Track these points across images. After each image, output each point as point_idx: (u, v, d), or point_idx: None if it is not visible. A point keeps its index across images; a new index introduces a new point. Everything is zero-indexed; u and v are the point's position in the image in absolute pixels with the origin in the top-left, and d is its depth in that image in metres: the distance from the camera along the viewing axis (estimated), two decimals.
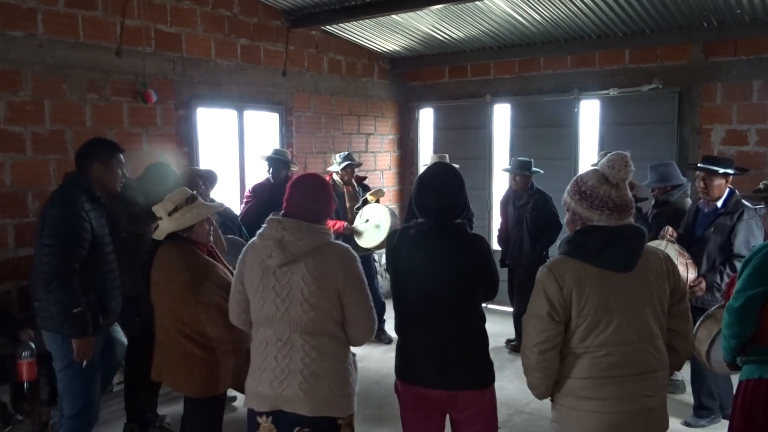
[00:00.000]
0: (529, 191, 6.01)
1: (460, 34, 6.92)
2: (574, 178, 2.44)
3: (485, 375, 2.67)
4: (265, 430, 2.57)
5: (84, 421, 3.32)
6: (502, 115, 7.70)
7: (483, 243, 2.66)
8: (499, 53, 7.36)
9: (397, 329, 2.74)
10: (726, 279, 4.09)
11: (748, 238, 4.07)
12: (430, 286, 2.58)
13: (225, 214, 4.74)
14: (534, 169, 6.04)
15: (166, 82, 5.49)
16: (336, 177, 6.07)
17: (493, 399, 2.72)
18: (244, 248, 2.69)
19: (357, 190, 6.16)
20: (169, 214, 3.12)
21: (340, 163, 5.99)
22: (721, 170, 4.24)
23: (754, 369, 2.65)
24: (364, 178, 6.56)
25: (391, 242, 2.71)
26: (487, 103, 7.67)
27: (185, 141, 5.68)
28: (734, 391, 2.81)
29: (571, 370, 2.34)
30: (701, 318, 3.06)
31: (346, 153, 6.11)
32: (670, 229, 4.34)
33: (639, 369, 2.30)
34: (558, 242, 5.95)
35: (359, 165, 6.32)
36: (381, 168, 8.18)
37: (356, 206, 5.92)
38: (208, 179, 4.74)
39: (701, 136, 6.30)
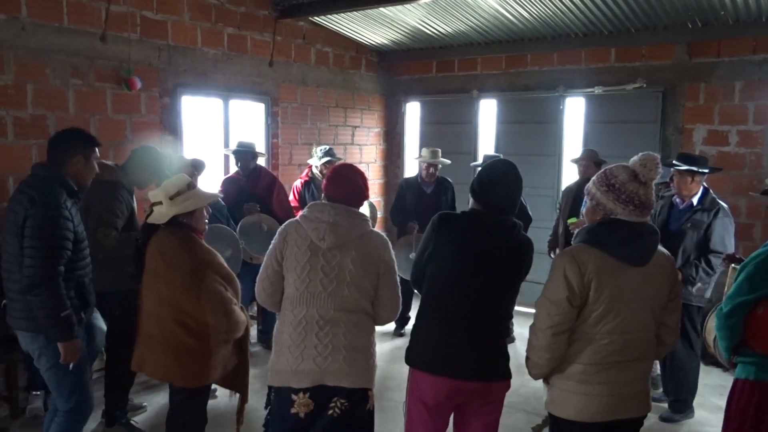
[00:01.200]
0: None
1: (448, 29, 6.93)
2: (603, 171, 2.52)
3: (508, 365, 2.75)
4: (302, 405, 2.66)
5: (80, 414, 3.24)
6: (488, 111, 7.73)
7: (532, 245, 2.76)
8: (487, 49, 7.39)
9: (426, 316, 2.72)
10: (701, 273, 4.22)
11: (723, 235, 4.24)
12: (486, 276, 2.63)
13: (213, 203, 4.75)
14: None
15: (151, 70, 5.46)
16: (315, 170, 6.05)
17: (509, 390, 2.80)
18: (284, 230, 2.76)
19: None
20: (171, 199, 3.07)
21: (320, 158, 5.95)
22: (700, 170, 4.34)
23: (742, 369, 2.75)
24: None
25: (454, 225, 2.68)
26: (474, 99, 7.70)
27: (170, 129, 5.65)
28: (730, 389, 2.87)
29: (576, 355, 2.46)
30: (711, 310, 3.11)
31: (327, 148, 6.06)
32: None
33: (634, 356, 2.46)
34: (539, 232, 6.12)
35: (339, 161, 6.28)
36: (367, 161, 8.18)
37: None
38: (197, 167, 4.80)
39: (683, 135, 6.38)
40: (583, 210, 2.64)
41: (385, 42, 7.67)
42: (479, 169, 2.83)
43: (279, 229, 2.80)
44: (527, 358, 2.59)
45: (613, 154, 6.30)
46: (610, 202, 2.42)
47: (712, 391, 5.00)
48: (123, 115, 5.28)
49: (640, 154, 2.45)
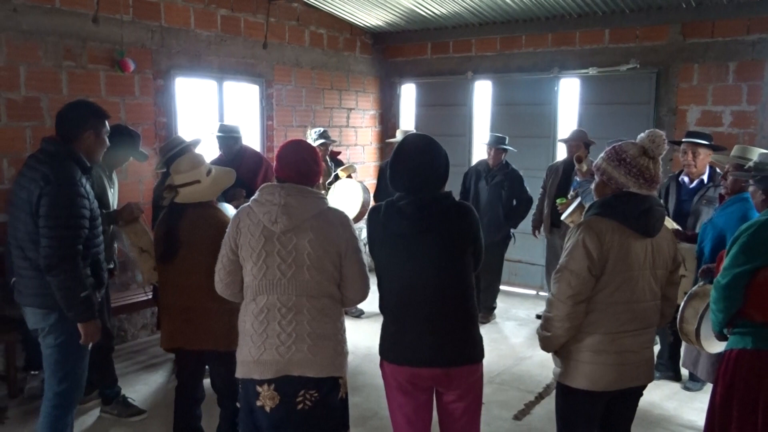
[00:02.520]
0: (504, 169, 6.12)
1: (443, 10, 6.91)
2: (612, 147, 2.61)
3: (477, 349, 2.61)
4: (267, 398, 2.55)
5: (70, 398, 3.16)
6: (483, 93, 7.73)
7: (472, 211, 2.60)
8: (481, 30, 7.37)
9: (384, 309, 2.64)
10: None
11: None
12: (423, 259, 2.51)
13: None
14: (508, 147, 6.16)
15: (145, 52, 5.45)
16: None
17: (482, 373, 2.68)
18: (236, 217, 2.64)
19: (330, 165, 6.13)
20: (208, 175, 3.18)
21: (315, 140, 5.90)
22: (712, 145, 4.46)
23: (739, 340, 2.81)
24: (338, 153, 6.56)
25: (376, 217, 2.59)
26: (469, 80, 7.70)
27: (163, 111, 5.66)
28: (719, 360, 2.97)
29: (592, 325, 2.56)
30: (685, 298, 3.15)
31: (322, 130, 6.04)
32: None
33: (644, 324, 2.59)
34: (529, 211, 6.16)
35: (333, 142, 6.28)
36: (362, 143, 8.19)
37: (328, 181, 5.89)
38: (196, 147, 4.68)
39: (677, 116, 6.39)
40: (592, 186, 2.71)
41: (380, 24, 7.65)
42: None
43: (232, 216, 2.70)
44: (544, 330, 2.64)
45: (607, 135, 6.31)
46: (621, 176, 2.53)
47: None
48: (116, 97, 5.28)
49: (647, 131, 2.57)
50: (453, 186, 6.45)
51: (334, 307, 2.63)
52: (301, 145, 2.72)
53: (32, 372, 4.37)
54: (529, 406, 4.34)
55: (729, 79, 6.11)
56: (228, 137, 5.29)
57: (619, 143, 2.61)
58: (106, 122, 3.21)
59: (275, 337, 2.52)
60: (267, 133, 6.85)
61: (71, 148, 3.02)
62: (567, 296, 2.51)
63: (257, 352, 2.53)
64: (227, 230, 2.67)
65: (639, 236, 2.52)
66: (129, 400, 4.20)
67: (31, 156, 3.08)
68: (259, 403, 2.56)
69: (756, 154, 3.75)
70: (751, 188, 3.03)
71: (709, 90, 6.22)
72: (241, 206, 2.67)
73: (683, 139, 4.64)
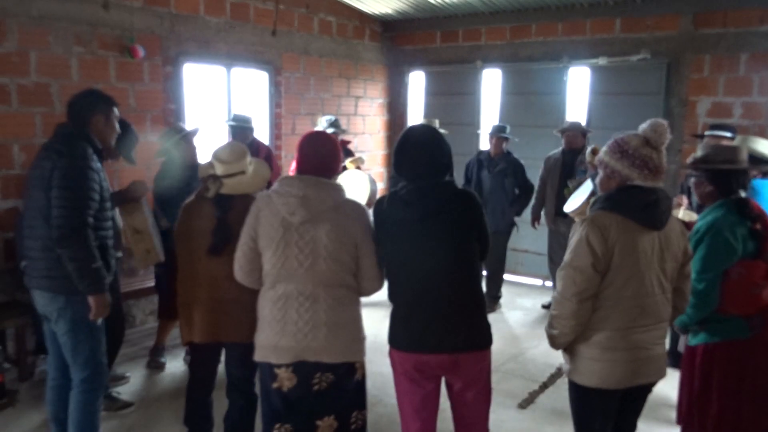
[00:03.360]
0: (506, 157, 6.15)
1: None
2: (614, 140, 2.55)
3: (485, 335, 2.63)
4: (285, 379, 2.66)
5: (97, 382, 3.18)
6: (492, 82, 7.70)
7: (475, 198, 2.62)
8: (491, 19, 7.33)
9: (393, 296, 2.66)
10: None
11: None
12: (427, 246, 2.53)
13: None
14: (509, 136, 6.22)
15: (154, 38, 5.46)
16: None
17: (490, 360, 2.70)
18: (255, 207, 2.71)
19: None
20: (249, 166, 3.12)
21: (325, 128, 5.89)
22: (730, 134, 4.54)
23: (713, 334, 2.92)
24: (349, 142, 6.55)
25: (380, 207, 2.64)
26: (478, 69, 7.66)
27: (172, 97, 5.67)
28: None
29: (601, 321, 2.49)
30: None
31: (333, 119, 6.04)
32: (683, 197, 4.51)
33: (655, 319, 2.52)
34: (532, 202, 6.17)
35: (344, 132, 6.29)
36: (370, 132, 8.19)
37: None
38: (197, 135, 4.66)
39: (687, 107, 6.35)
40: (597, 181, 2.65)
41: (389, 12, 7.62)
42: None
43: (252, 205, 2.74)
44: (551, 328, 2.60)
45: (617, 126, 6.23)
46: (625, 168, 2.47)
47: None
48: (126, 83, 5.29)
49: (649, 120, 2.50)
50: (457, 177, 6.48)
51: (351, 296, 2.71)
52: (322, 138, 2.81)
53: (42, 356, 4.42)
54: (533, 395, 4.36)
55: (740, 70, 6.06)
56: (243, 127, 5.32)
57: (621, 136, 2.55)
58: (115, 108, 3.28)
59: (293, 324, 2.61)
60: (275, 121, 6.86)
61: (84, 130, 3.11)
62: (572, 294, 2.45)
63: (275, 338, 2.63)
64: (248, 219, 2.72)
65: (645, 229, 2.46)
66: (114, 394, 4.15)
67: (46, 143, 3.14)
68: (276, 385, 2.67)
69: (760, 144, 3.78)
70: (694, 180, 3.07)
71: (720, 81, 6.17)
72: (260, 194, 2.76)
73: (706, 132, 4.70)
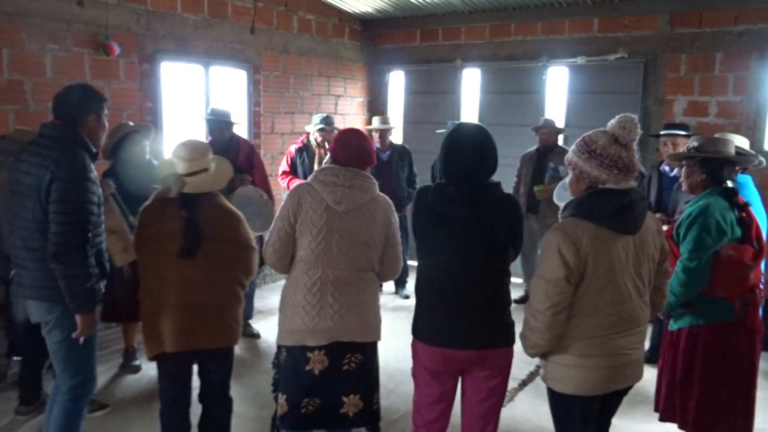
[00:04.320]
0: None
1: None
2: (581, 138, 2.45)
3: (510, 332, 2.67)
4: (317, 362, 2.82)
5: (85, 391, 3.08)
6: (471, 81, 7.72)
7: (518, 202, 2.73)
8: (471, 18, 7.35)
9: (422, 290, 2.71)
10: None
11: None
12: (469, 245, 2.56)
13: None
14: None
15: (130, 35, 5.39)
16: (312, 138, 6.00)
17: (512, 357, 2.73)
18: (296, 194, 2.84)
19: (327, 153, 6.13)
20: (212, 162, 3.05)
21: (316, 124, 5.94)
22: (684, 133, 4.75)
23: (698, 317, 3.06)
24: None
25: (423, 200, 2.64)
26: (458, 68, 7.67)
27: (149, 96, 5.60)
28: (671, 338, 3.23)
29: (576, 329, 2.42)
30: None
31: (325, 116, 6.01)
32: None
33: (632, 324, 2.46)
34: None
35: (332, 131, 6.24)
36: None
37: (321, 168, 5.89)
38: (144, 133, 4.46)
39: (664, 106, 6.41)
40: (567, 180, 2.56)
41: (369, 10, 7.60)
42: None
43: (289, 193, 2.88)
44: (524, 337, 2.54)
45: (595, 124, 6.24)
46: (593, 169, 2.36)
47: None
48: (102, 81, 5.21)
49: (618, 116, 2.38)
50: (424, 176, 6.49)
51: (374, 280, 2.95)
52: (361, 134, 3.03)
53: (15, 357, 4.34)
54: (512, 393, 4.37)
55: (716, 70, 6.13)
56: (221, 122, 5.15)
57: (588, 133, 2.45)
58: (104, 106, 3.12)
59: (329, 307, 2.79)
60: (254, 119, 6.80)
61: (76, 133, 2.93)
62: (545, 307, 2.37)
63: (312, 322, 2.78)
64: (286, 205, 2.84)
65: (619, 235, 2.37)
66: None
67: (32, 142, 2.95)
68: (308, 368, 2.81)
69: (737, 140, 3.91)
70: (686, 169, 3.21)
71: (696, 80, 6.24)
72: (299, 183, 2.94)
73: (661, 132, 4.99)
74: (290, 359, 2.87)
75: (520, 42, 7.20)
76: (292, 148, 6.02)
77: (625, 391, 2.63)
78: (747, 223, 3.08)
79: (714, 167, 3.12)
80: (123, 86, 5.39)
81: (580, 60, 6.78)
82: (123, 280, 3.99)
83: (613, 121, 2.39)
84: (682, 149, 4.55)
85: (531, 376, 4.65)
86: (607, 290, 2.38)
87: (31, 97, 4.73)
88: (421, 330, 2.70)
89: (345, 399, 2.88)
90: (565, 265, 2.33)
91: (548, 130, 6.06)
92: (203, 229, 2.89)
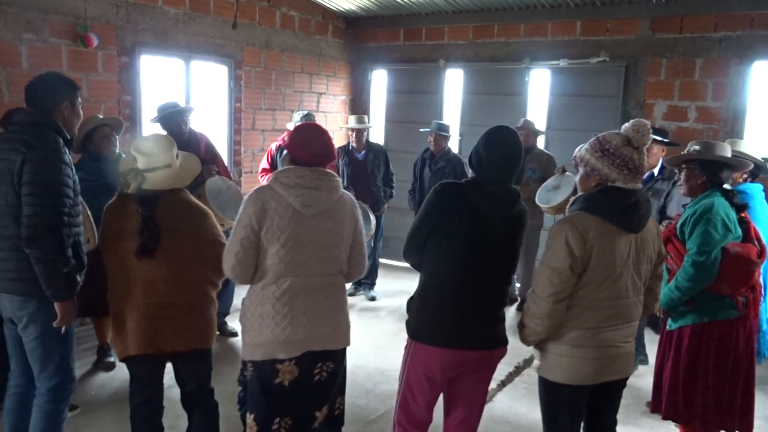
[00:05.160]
0: (446, 155, 6.21)
1: None
2: (596, 138, 2.55)
3: (505, 331, 2.74)
4: (287, 373, 2.65)
5: (65, 391, 2.95)
6: (454, 81, 7.72)
7: (527, 209, 2.75)
8: (454, 18, 7.35)
9: (440, 291, 2.62)
10: None
11: (680, 202, 4.45)
12: (500, 246, 2.60)
13: None
14: (447, 134, 6.30)
15: (109, 27, 5.30)
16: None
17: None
18: (258, 199, 2.58)
19: None
20: (176, 159, 2.90)
21: (297, 122, 5.77)
22: (665, 140, 4.65)
23: (702, 315, 3.14)
24: None
25: (458, 195, 2.57)
26: (441, 68, 7.67)
27: (128, 89, 5.52)
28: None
29: (573, 320, 2.53)
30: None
31: (307, 113, 5.93)
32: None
33: (625, 319, 2.58)
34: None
35: None
36: (332, 129, 8.10)
37: None
38: (114, 127, 4.35)
39: (644, 110, 6.47)
40: (577, 178, 2.66)
41: (352, 8, 7.57)
42: (481, 138, 2.67)
43: (249, 198, 2.63)
44: (523, 326, 2.62)
45: (576, 127, 6.41)
46: (605, 167, 2.46)
47: None
48: (79, 72, 5.12)
49: (632, 120, 2.51)
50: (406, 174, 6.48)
51: (343, 282, 2.83)
52: (320, 129, 2.78)
53: None
54: (491, 394, 4.37)
55: (695, 75, 6.20)
56: (171, 112, 4.84)
57: (603, 134, 2.54)
58: (78, 94, 3.02)
59: (300, 316, 2.63)
60: (234, 115, 6.73)
61: (50, 118, 2.83)
62: (548, 294, 2.47)
63: (282, 333, 2.61)
64: (247, 211, 2.59)
65: (623, 232, 2.47)
66: None
67: (4, 131, 2.85)
68: (277, 380, 2.65)
69: (742, 145, 4.01)
70: (686, 172, 3.32)
71: (676, 85, 6.30)
72: (259, 187, 2.67)
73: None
74: (257, 374, 2.67)
75: (503, 43, 7.22)
76: (273, 146, 5.98)
77: (616, 386, 2.69)
78: (746, 223, 3.22)
79: (714, 170, 3.23)
80: (101, 79, 5.30)
81: (562, 62, 6.81)
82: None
83: (627, 125, 2.51)
84: (657, 155, 4.60)
85: (510, 377, 4.65)
86: (607, 284, 2.48)
87: (6, 88, 4.63)
88: (430, 332, 2.62)
89: (318, 413, 2.75)
90: (571, 255, 2.43)
91: (526, 131, 6.08)
92: (162, 227, 2.77)
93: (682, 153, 3.43)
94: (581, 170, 2.59)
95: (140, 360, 2.85)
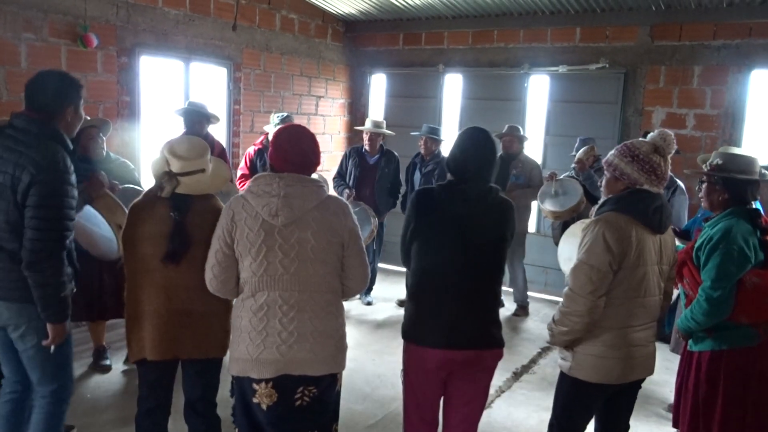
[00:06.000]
0: (435, 158, 6.17)
1: (416, 1, 6.87)
2: (623, 144, 2.67)
3: (501, 333, 2.73)
4: (265, 396, 2.46)
5: (65, 394, 2.91)
6: (453, 86, 7.73)
7: (513, 206, 2.75)
8: (454, 23, 7.36)
9: (423, 293, 2.66)
10: None
11: (680, 211, 4.48)
12: (475, 243, 2.61)
13: (124, 168, 4.38)
14: (441, 138, 6.26)
15: (109, 27, 5.28)
16: (271, 137, 5.80)
17: (500, 360, 2.77)
18: (230, 210, 2.48)
19: None
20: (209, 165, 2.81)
21: (277, 125, 5.66)
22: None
23: (721, 342, 2.98)
24: None
25: (428, 198, 2.65)
26: (440, 73, 7.68)
27: (126, 89, 5.49)
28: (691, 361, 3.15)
29: (607, 320, 2.59)
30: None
31: (285, 114, 5.82)
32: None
33: (651, 318, 2.68)
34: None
35: None
36: (330, 132, 8.11)
37: None
38: (101, 128, 4.31)
39: (643, 117, 6.48)
40: (603, 182, 2.76)
41: (352, 12, 7.57)
42: (455, 139, 2.79)
43: (223, 209, 2.53)
44: (558, 324, 2.65)
45: (575, 133, 6.40)
46: (635, 172, 2.57)
47: None
48: (78, 72, 5.08)
49: (657, 130, 2.65)
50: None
51: (337, 302, 2.57)
52: (301, 132, 2.58)
53: None
54: (489, 400, 4.36)
55: (694, 83, 6.22)
56: (200, 113, 4.99)
57: (631, 141, 2.66)
58: (82, 94, 2.90)
59: (276, 336, 2.42)
60: (233, 118, 6.72)
61: (55, 127, 2.69)
62: (588, 291, 2.52)
63: (256, 351, 2.43)
64: (220, 223, 2.50)
65: (650, 232, 2.58)
66: None
67: (2, 134, 2.68)
68: (255, 401, 2.48)
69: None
70: (707, 187, 3.11)
71: (675, 92, 6.32)
72: (233, 197, 2.53)
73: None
74: (239, 390, 2.57)
75: (502, 49, 7.23)
76: (251, 150, 5.78)
77: (636, 385, 2.78)
78: None
79: (737, 187, 2.98)
80: (100, 79, 5.28)
81: (562, 69, 6.82)
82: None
83: (654, 134, 2.63)
84: None
85: (508, 384, 4.64)
86: (639, 282, 2.57)
87: (4, 87, 4.61)
88: (419, 333, 2.66)
89: None
90: (610, 252, 2.50)
91: (510, 137, 6.10)
92: (192, 234, 2.69)
93: (703, 165, 3.25)
94: (608, 174, 2.69)
95: (153, 365, 2.79)
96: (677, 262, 3.10)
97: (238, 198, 2.50)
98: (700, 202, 3.33)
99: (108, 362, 4.52)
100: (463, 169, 2.65)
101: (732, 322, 2.92)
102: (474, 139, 2.70)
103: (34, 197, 2.57)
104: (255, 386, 2.46)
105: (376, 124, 6.27)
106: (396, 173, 6.37)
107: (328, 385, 2.55)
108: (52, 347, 2.75)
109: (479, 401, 2.79)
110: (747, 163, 3.03)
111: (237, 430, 2.66)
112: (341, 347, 2.57)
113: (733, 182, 2.98)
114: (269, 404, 2.46)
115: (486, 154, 2.67)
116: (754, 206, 3.03)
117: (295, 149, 2.50)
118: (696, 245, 3.05)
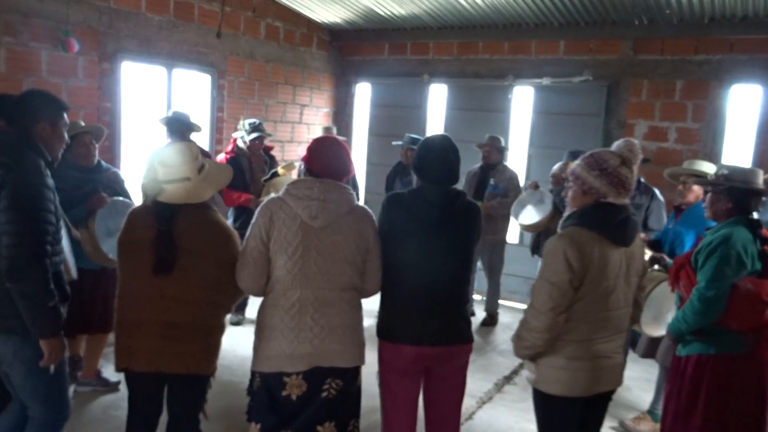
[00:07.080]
0: None
1: (402, 11, 6.89)
2: (591, 155, 2.62)
3: (470, 330, 2.86)
4: (295, 386, 2.63)
5: (60, 419, 2.79)
6: (438, 96, 7.74)
7: (480, 210, 2.89)
8: (439, 34, 7.38)
9: (392, 291, 2.79)
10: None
11: (660, 214, 4.58)
12: (443, 246, 2.71)
13: (114, 178, 4.26)
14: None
15: (91, 33, 5.22)
16: (240, 143, 5.67)
17: (471, 353, 2.91)
18: (267, 209, 2.59)
19: (265, 160, 5.80)
20: (199, 173, 2.74)
21: (249, 132, 5.59)
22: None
23: (701, 345, 3.02)
24: (272, 148, 6.14)
25: (398, 204, 2.76)
26: (425, 83, 7.69)
27: (108, 95, 5.43)
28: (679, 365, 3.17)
29: (569, 333, 2.57)
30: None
31: (257, 122, 5.70)
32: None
33: (615, 330, 2.65)
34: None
35: (269, 136, 6.02)
36: None
37: (264, 178, 5.39)
38: (95, 135, 4.20)
39: (625, 130, 6.53)
40: (569, 195, 2.68)
41: (338, 21, 7.57)
42: (418, 146, 2.91)
43: (259, 209, 2.63)
44: (520, 339, 2.65)
45: (558, 145, 6.45)
46: (603, 186, 2.54)
47: None
48: (59, 78, 5.03)
49: (622, 140, 2.66)
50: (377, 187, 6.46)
51: (358, 299, 2.77)
52: (338, 143, 2.80)
53: None
54: (470, 411, 4.34)
55: (676, 97, 6.29)
56: (183, 123, 4.97)
57: (597, 151, 2.62)
58: (65, 114, 2.80)
59: (308, 330, 2.60)
60: (216, 125, 6.67)
61: (29, 137, 2.63)
62: (548, 308, 2.51)
63: (290, 346, 2.60)
64: (257, 222, 2.61)
65: (616, 246, 2.55)
66: None
67: None
68: (285, 393, 2.62)
69: (705, 166, 3.95)
70: (711, 196, 3.15)
71: (657, 106, 6.38)
72: (270, 198, 2.67)
73: None
74: (264, 386, 2.65)
75: (487, 60, 7.26)
76: (222, 157, 5.63)
77: (607, 397, 2.76)
78: None
79: (741, 197, 3.04)
80: (81, 84, 5.22)
81: (546, 81, 6.87)
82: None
83: (620, 143, 2.63)
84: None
85: (489, 394, 4.62)
86: (603, 296, 2.55)
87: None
88: (392, 330, 2.78)
89: (319, 428, 2.67)
90: (570, 269, 2.48)
91: (489, 147, 6.14)
92: (182, 245, 2.64)
93: (709, 176, 3.29)
94: (575, 187, 2.63)
95: (139, 377, 2.74)
96: (675, 265, 3.20)
97: (275, 199, 2.65)
98: (673, 209, 3.42)
99: (79, 373, 4.41)
100: (426, 174, 2.76)
101: (721, 327, 2.96)
102: (433, 145, 2.80)
103: (6, 200, 2.47)
104: (285, 379, 2.62)
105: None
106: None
107: (352, 377, 2.72)
108: (51, 367, 2.62)
109: (458, 396, 2.91)
110: (751, 174, 3.11)
111: (253, 425, 2.70)
112: (363, 341, 2.77)
113: (737, 192, 3.04)
114: (299, 394, 2.63)
115: (446, 159, 2.75)
116: (756, 216, 3.08)
117: (336, 158, 2.73)
118: (695, 251, 3.09)
